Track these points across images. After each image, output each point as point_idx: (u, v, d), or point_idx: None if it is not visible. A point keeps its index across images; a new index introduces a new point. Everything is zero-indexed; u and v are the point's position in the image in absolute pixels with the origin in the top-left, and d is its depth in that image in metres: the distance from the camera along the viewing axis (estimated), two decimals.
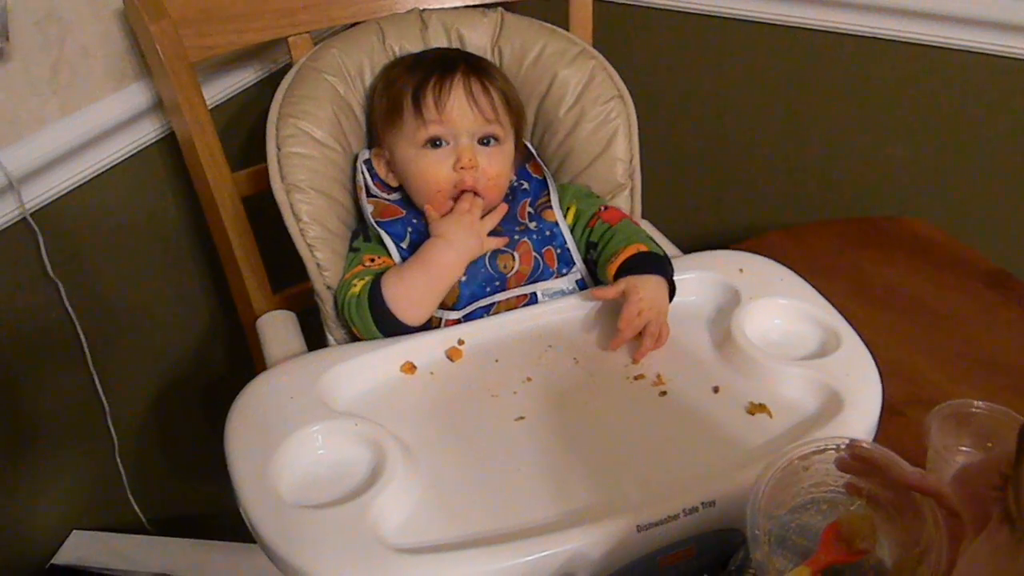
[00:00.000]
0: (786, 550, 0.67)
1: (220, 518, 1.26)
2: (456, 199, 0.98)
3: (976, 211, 1.40)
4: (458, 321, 0.97)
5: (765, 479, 0.65)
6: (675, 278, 0.97)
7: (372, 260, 0.99)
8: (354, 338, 1.01)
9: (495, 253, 1.00)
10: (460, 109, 0.98)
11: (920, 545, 0.61)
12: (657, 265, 0.96)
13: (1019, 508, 0.39)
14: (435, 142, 0.98)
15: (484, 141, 1.00)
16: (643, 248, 0.98)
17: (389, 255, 0.99)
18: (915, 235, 1.32)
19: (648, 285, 0.93)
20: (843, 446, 0.66)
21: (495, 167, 1.00)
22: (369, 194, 1.03)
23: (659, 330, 0.92)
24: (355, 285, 0.96)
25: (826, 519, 0.66)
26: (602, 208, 1.05)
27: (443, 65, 1.00)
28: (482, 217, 0.99)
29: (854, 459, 0.66)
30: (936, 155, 1.39)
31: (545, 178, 1.08)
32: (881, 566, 0.64)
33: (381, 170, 1.04)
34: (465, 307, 0.98)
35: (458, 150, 0.97)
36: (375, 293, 0.93)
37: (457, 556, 0.70)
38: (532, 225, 1.04)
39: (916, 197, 1.44)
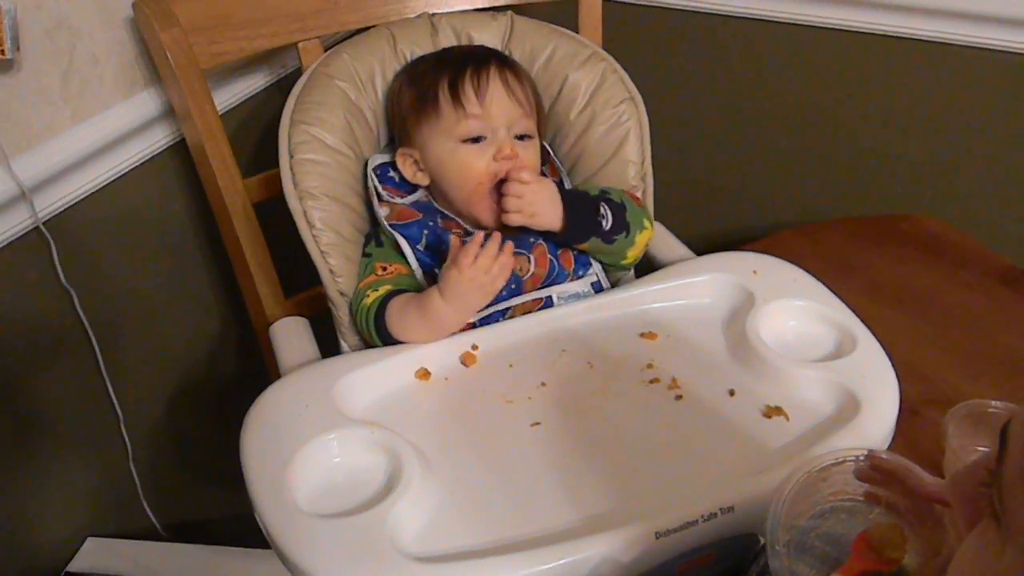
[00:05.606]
0: (807, 555, 0.66)
1: (234, 523, 1.26)
2: (497, 196, 0.97)
3: (990, 209, 1.39)
4: (473, 325, 0.96)
5: (783, 494, 0.64)
6: (688, 280, 0.99)
7: (384, 268, 0.98)
8: (368, 343, 1.00)
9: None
10: (499, 101, 0.98)
11: (941, 555, 0.61)
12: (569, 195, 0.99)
13: (1002, 505, 0.39)
14: (475, 139, 0.98)
15: (519, 136, 1.00)
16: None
17: (403, 259, 0.99)
18: (929, 233, 1.31)
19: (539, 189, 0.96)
20: (861, 457, 0.66)
21: (532, 159, 1.00)
22: (380, 199, 1.02)
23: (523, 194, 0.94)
24: (368, 296, 0.96)
25: (846, 526, 0.66)
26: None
27: (475, 59, 1.00)
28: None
29: (873, 469, 0.65)
30: (950, 153, 1.38)
31: (561, 180, 1.08)
32: (903, 574, 0.63)
33: (408, 170, 1.03)
34: (481, 311, 0.97)
35: (497, 141, 0.97)
36: (380, 317, 0.93)
37: (475, 564, 0.70)
38: None
39: (930, 195, 1.43)
